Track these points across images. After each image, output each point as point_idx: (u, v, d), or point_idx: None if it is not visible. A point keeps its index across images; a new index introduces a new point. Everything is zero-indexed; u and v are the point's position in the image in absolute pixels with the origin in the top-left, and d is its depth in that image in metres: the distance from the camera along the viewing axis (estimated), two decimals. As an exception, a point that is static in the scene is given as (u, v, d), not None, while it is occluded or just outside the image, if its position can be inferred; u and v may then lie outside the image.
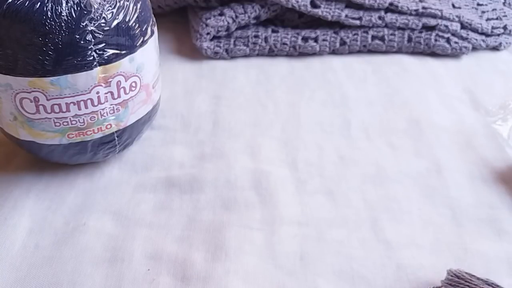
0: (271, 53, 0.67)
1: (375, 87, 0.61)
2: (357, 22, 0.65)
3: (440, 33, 0.65)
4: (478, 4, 0.72)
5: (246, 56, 0.66)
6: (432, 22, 0.66)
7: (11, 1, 0.37)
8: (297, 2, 0.64)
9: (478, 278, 0.35)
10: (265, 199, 0.45)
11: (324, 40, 0.66)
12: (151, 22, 0.45)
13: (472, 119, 0.56)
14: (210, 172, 0.48)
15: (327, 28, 0.66)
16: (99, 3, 0.39)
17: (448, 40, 0.66)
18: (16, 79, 0.39)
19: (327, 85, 0.61)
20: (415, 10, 0.66)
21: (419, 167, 0.49)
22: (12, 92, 0.39)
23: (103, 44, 0.39)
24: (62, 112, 0.40)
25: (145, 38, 0.43)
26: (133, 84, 0.43)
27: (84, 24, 0.38)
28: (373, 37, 0.66)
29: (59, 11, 0.38)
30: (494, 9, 0.71)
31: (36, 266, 0.39)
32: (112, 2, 0.40)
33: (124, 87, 0.42)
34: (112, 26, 0.40)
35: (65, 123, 0.41)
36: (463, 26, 0.66)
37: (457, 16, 0.66)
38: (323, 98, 0.59)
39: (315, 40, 0.66)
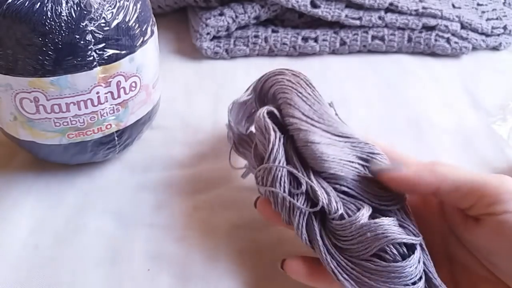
0: (271, 53, 0.66)
1: (375, 87, 0.61)
2: (357, 22, 0.65)
3: (440, 33, 0.65)
4: (478, 4, 0.72)
5: (246, 56, 0.66)
6: (432, 22, 0.65)
7: (11, 1, 0.37)
8: (297, 2, 0.64)
9: None
10: (265, 199, 0.45)
11: (324, 40, 0.66)
12: (151, 22, 0.45)
13: (472, 119, 0.56)
14: (210, 172, 0.48)
15: (327, 28, 0.66)
16: (99, 3, 0.39)
17: (448, 40, 0.66)
18: (16, 79, 0.39)
19: (327, 85, 0.61)
20: (415, 10, 0.66)
21: (419, 167, 0.49)
22: (12, 92, 0.39)
23: (103, 44, 0.39)
24: (62, 112, 0.40)
25: (145, 38, 0.43)
26: (133, 84, 0.43)
27: (84, 24, 0.38)
28: (373, 37, 0.66)
29: (59, 11, 0.37)
30: (494, 9, 0.71)
31: (36, 266, 0.39)
32: (112, 2, 0.40)
33: (124, 87, 0.42)
34: (112, 26, 0.40)
35: (65, 123, 0.41)
36: (463, 26, 0.66)
37: (457, 16, 0.66)
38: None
39: (315, 40, 0.66)
